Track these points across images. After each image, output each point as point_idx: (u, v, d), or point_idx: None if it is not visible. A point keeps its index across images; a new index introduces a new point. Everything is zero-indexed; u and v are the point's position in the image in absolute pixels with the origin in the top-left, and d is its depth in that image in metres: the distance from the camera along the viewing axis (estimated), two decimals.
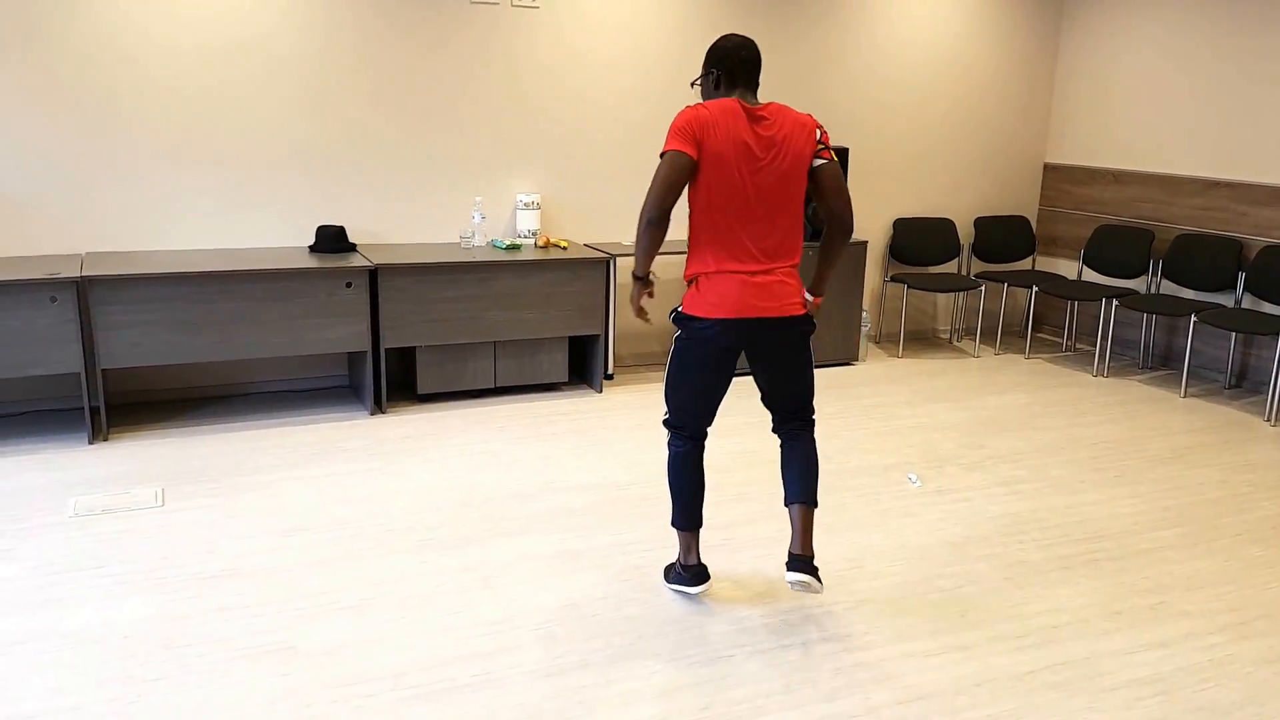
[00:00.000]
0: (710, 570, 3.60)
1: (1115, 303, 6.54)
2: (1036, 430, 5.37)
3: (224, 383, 5.53)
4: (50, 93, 4.90)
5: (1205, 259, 6.36)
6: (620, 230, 6.22)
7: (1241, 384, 6.38)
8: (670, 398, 3.32)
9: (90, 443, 4.75)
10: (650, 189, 3.06)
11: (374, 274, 5.14)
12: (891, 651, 3.16)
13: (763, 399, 3.37)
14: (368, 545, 3.79)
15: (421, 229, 5.76)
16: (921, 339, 7.43)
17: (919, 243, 7.11)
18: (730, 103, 3.08)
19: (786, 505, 3.36)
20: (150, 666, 2.96)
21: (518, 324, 5.47)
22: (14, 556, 3.61)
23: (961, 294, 7.47)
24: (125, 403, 5.34)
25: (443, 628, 3.23)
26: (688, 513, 3.37)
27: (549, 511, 4.14)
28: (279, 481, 4.37)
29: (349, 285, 5.05)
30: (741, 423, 5.30)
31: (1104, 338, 6.73)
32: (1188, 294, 6.56)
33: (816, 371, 6.36)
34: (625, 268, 6.13)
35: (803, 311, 3.20)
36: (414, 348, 5.38)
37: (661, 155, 3.07)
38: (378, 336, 5.21)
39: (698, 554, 3.43)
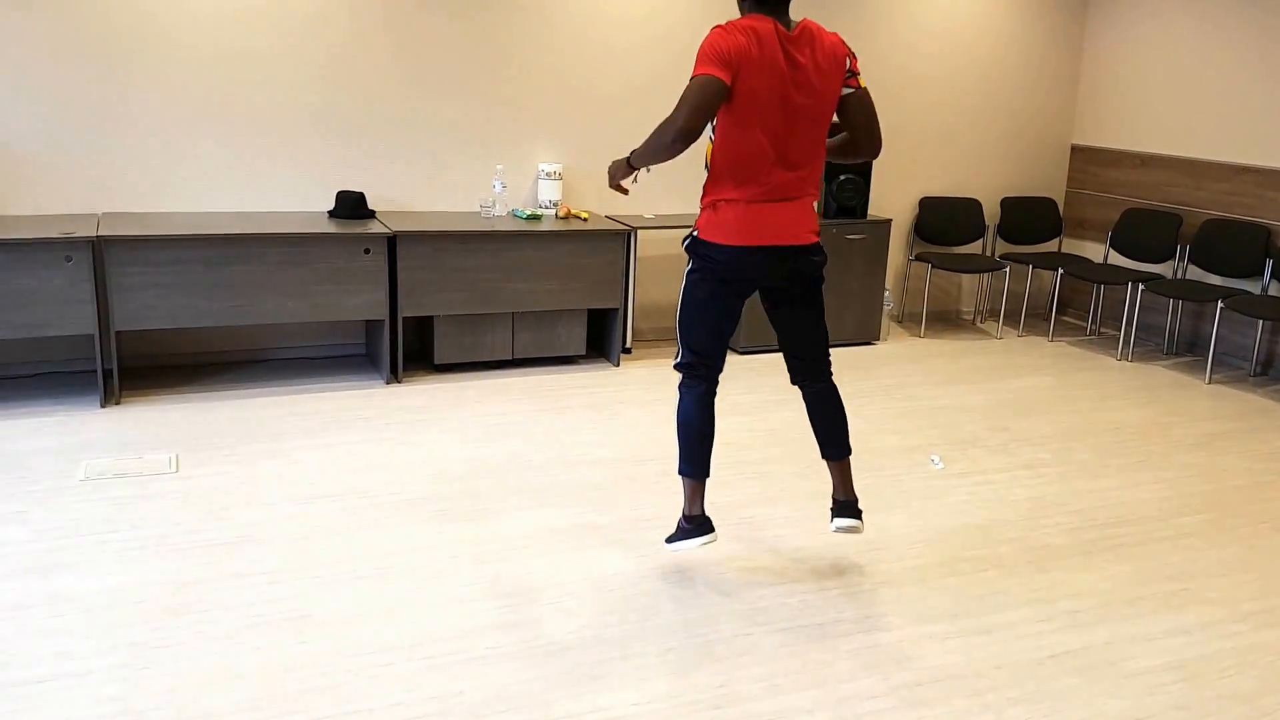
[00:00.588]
0: (719, 531, 3.54)
1: (1141, 287, 6.45)
2: (1060, 414, 5.30)
3: (239, 348, 5.51)
4: (67, 51, 4.86)
5: (1232, 245, 6.26)
6: (642, 203, 6.16)
7: (1267, 372, 6.29)
8: (684, 333, 3.25)
9: (102, 406, 4.73)
10: (678, 107, 2.91)
11: (392, 241, 5.09)
12: (911, 633, 3.12)
13: (781, 345, 3.33)
14: (384, 515, 3.76)
15: (442, 197, 5.71)
16: (944, 319, 7.35)
17: (944, 222, 7.02)
18: (766, 25, 2.95)
19: (824, 458, 3.40)
20: (161, 632, 2.94)
21: (536, 295, 5.42)
22: (24, 520, 3.58)
23: (986, 275, 7.37)
24: (139, 366, 5.32)
25: (459, 598, 3.20)
26: (698, 459, 3.30)
27: (566, 485, 4.10)
28: (295, 449, 4.34)
29: (367, 252, 5.00)
30: (762, 400, 5.25)
31: (1129, 322, 6.64)
32: (1214, 280, 6.46)
33: (839, 350, 6.33)
34: (646, 240, 6.07)
35: (817, 239, 3.18)
36: (431, 317, 5.34)
37: (693, 78, 2.93)
38: (395, 305, 5.17)
39: (702, 504, 3.35)
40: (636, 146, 3.15)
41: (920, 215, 6.99)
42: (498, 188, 5.57)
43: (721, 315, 3.18)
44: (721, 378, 3.32)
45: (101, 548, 3.41)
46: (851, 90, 3.11)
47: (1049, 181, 7.45)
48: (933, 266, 6.76)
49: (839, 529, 3.38)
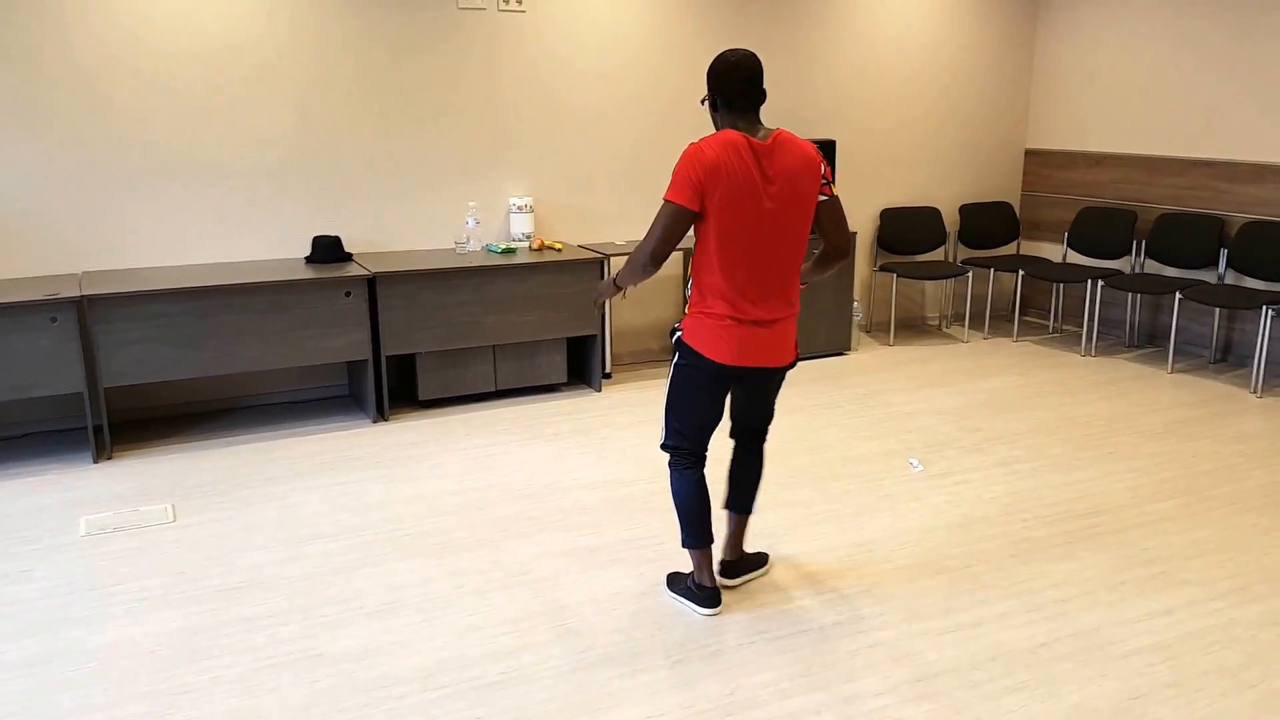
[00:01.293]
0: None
1: (1100, 283, 6.64)
2: (1030, 411, 5.46)
3: (226, 396, 5.56)
4: (41, 111, 4.92)
5: (1187, 237, 6.47)
6: (613, 230, 6.28)
7: (1226, 358, 6.49)
8: (671, 419, 3.31)
9: (95, 462, 4.77)
10: (649, 234, 3.05)
11: (372, 282, 5.17)
12: (906, 631, 3.23)
13: (733, 413, 3.47)
14: (385, 551, 3.83)
15: (417, 236, 5.80)
16: (912, 326, 7.52)
17: (906, 232, 7.19)
18: (735, 138, 3.00)
19: (727, 509, 3.56)
20: (178, 680, 3.00)
21: (516, 327, 5.52)
22: (30, 578, 3.63)
23: (949, 281, 7.56)
24: (128, 420, 5.36)
25: (466, 627, 3.28)
26: (700, 530, 3.36)
27: (559, 510, 4.19)
28: (289, 492, 4.40)
29: (348, 295, 5.08)
30: None
31: (1090, 318, 6.83)
32: (1171, 272, 6.66)
33: (812, 361, 6.48)
34: (620, 266, 6.19)
35: (795, 356, 3.29)
36: (414, 354, 5.42)
37: (664, 203, 3.03)
38: (378, 344, 5.25)
39: (712, 574, 3.40)
40: (620, 270, 3.24)
41: (882, 226, 7.16)
42: (471, 224, 5.67)
43: (709, 407, 3.26)
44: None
45: (109, 600, 3.47)
46: (826, 199, 3.17)
47: (1005, 186, 7.65)
48: (898, 275, 6.93)
49: (738, 585, 3.57)
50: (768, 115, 6.60)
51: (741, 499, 3.54)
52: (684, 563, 3.70)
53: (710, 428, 3.31)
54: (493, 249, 5.71)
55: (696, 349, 3.17)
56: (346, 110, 5.50)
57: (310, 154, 5.47)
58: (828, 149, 6.52)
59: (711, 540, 3.39)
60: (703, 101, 3.19)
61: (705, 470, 3.36)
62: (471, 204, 5.81)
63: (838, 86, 6.83)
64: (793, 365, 3.31)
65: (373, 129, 5.58)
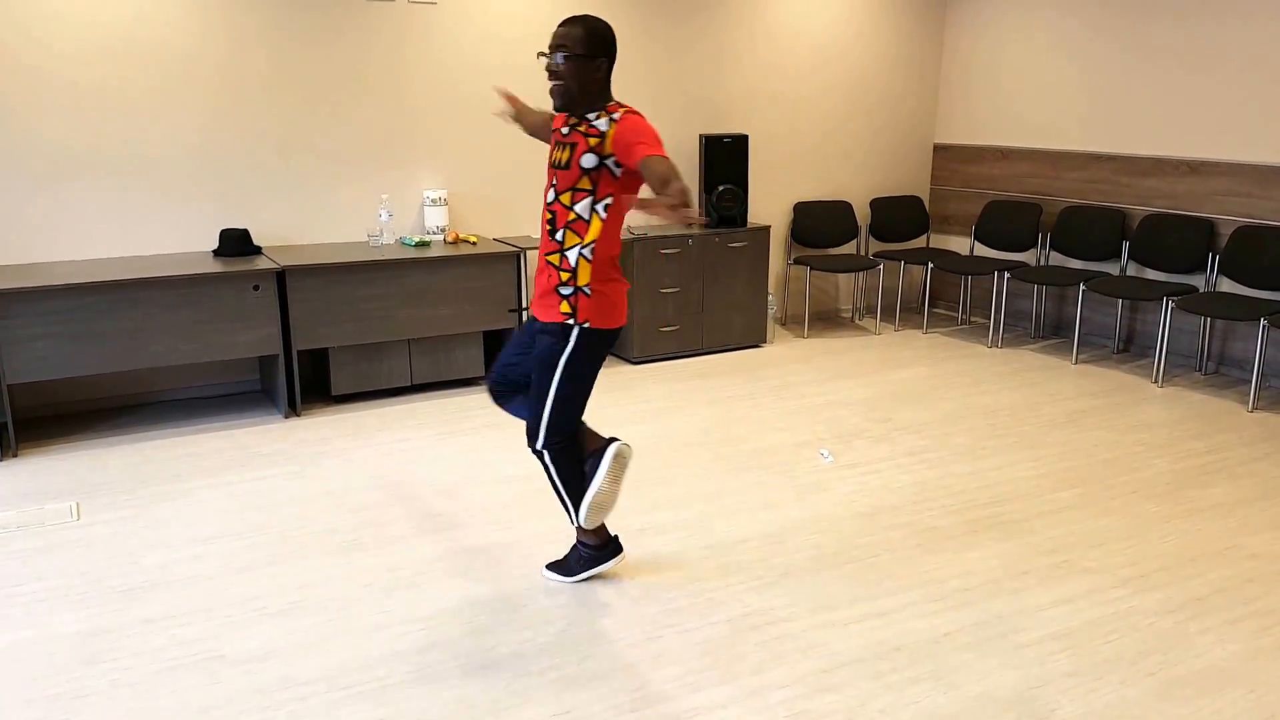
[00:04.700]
0: (628, 552, 3.67)
1: (1007, 276, 6.79)
2: (938, 401, 5.57)
3: (134, 392, 5.43)
4: None
5: (1091, 230, 6.65)
6: (528, 224, 6.25)
7: (1129, 348, 6.69)
8: (562, 421, 3.24)
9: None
10: (668, 159, 2.87)
11: (281, 276, 5.08)
12: (814, 622, 3.28)
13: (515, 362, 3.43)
14: (291, 549, 3.78)
15: (329, 229, 5.72)
16: (825, 319, 7.62)
17: (819, 225, 7.28)
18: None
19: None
20: (75, 683, 2.92)
21: (431, 321, 5.47)
22: None
23: (861, 274, 7.67)
24: (34, 417, 5.21)
25: (373, 626, 3.25)
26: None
27: (472, 506, 4.17)
28: (196, 490, 4.31)
29: (256, 288, 4.99)
30: (657, 408, 5.39)
31: (997, 310, 6.99)
32: (1075, 264, 6.84)
33: (728, 354, 6.53)
34: (534, 261, 6.17)
35: None
36: (326, 349, 5.34)
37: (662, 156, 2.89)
38: (289, 339, 5.16)
39: (606, 530, 3.50)
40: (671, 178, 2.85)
41: (796, 220, 7.23)
42: (384, 216, 5.60)
43: (590, 390, 3.29)
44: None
45: (9, 602, 3.37)
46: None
47: (915, 180, 7.79)
48: (811, 269, 7.01)
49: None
50: (678, 112, 6.64)
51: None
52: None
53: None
54: (406, 242, 5.65)
55: (605, 326, 3.16)
56: (256, 102, 5.39)
57: (219, 146, 5.35)
58: (740, 144, 6.57)
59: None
60: (566, 58, 3.04)
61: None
62: (384, 196, 5.73)
63: (749, 83, 6.88)
64: None
65: (283, 121, 5.47)
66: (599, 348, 3.21)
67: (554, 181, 3.15)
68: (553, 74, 3.09)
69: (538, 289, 3.25)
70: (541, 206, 3.14)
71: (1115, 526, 4.02)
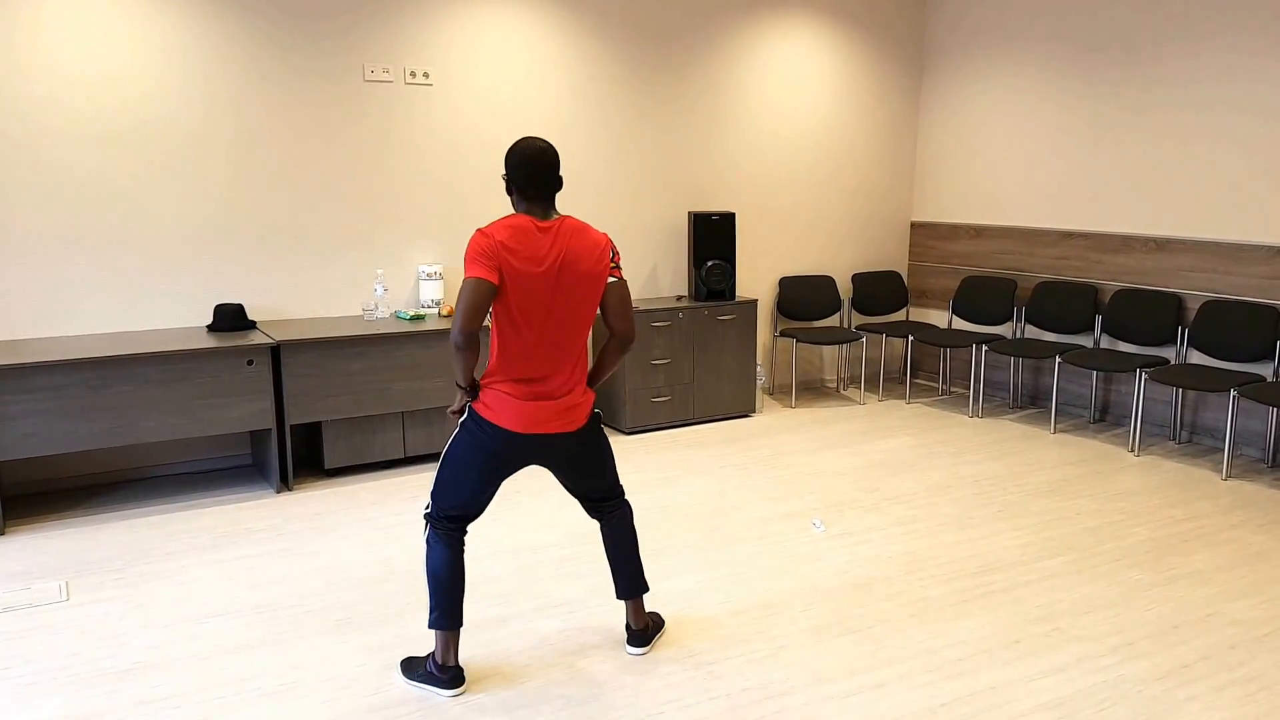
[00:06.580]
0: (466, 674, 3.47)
1: (985, 348, 6.92)
2: (924, 470, 5.64)
3: (125, 467, 5.42)
4: None
5: (1064, 304, 6.80)
6: None
7: (1105, 418, 6.81)
8: (445, 484, 3.27)
9: None
10: (455, 316, 3.06)
11: (276, 351, 5.13)
12: (813, 694, 3.30)
13: (570, 493, 3.52)
14: (285, 628, 3.76)
15: (324, 304, 5.77)
16: (812, 389, 7.71)
17: (804, 299, 7.41)
18: (522, 221, 3.11)
19: (621, 599, 3.60)
20: None
21: (424, 393, 5.51)
22: None
23: (845, 345, 7.79)
24: (23, 494, 5.18)
25: (368, 707, 3.23)
26: (454, 610, 3.30)
27: (469, 579, 4.17)
28: (188, 567, 4.30)
29: (250, 363, 5.03)
30: (649, 479, 5.42)
31: (976, 380, 7.11)
32: (1050, 337, 6.99)
33: (718, 424, 6.59)
34: None
35: (586, 421, 3.33)
36: (319, 422, 5.36)
37: (464, 280, 3.07)
38: (282, 413, 5.18)
39: (456, 654, 3.35)
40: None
41: (781, 293, 7.36)
42: (379, 291, 5.67)
43: (488, 485, 3.27)
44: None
45: None
46: (613, 280, 3.25)
47: (893, 256, 7.96)
48: (797, 340, 7.12)
49: (639, 654, 3.58)
50: (667, 191, 6.78)
51: (627, 583, 3.56)
52: (421, 646, 3.65)
53: (488, 498, 3.30)
54: (401, 315, 5.71)
55: (487, 417, 3.18)
56: (252, 180, 5.48)
57: (214, 222, 5.42)
58: (728, 221, 6.71)
59: (461, 623, 3.33)
60: (504, 176, 3.23)
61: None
62: (379, 271, 5.81)
63: (735, 162, 7.05)
64: (596, 424, 3.37)
65: (279, 198, 5.56)
66: (481, 438, 3.20)
67: None
68: None
69: None
70: None
71: (1101, 594, 4.07)
